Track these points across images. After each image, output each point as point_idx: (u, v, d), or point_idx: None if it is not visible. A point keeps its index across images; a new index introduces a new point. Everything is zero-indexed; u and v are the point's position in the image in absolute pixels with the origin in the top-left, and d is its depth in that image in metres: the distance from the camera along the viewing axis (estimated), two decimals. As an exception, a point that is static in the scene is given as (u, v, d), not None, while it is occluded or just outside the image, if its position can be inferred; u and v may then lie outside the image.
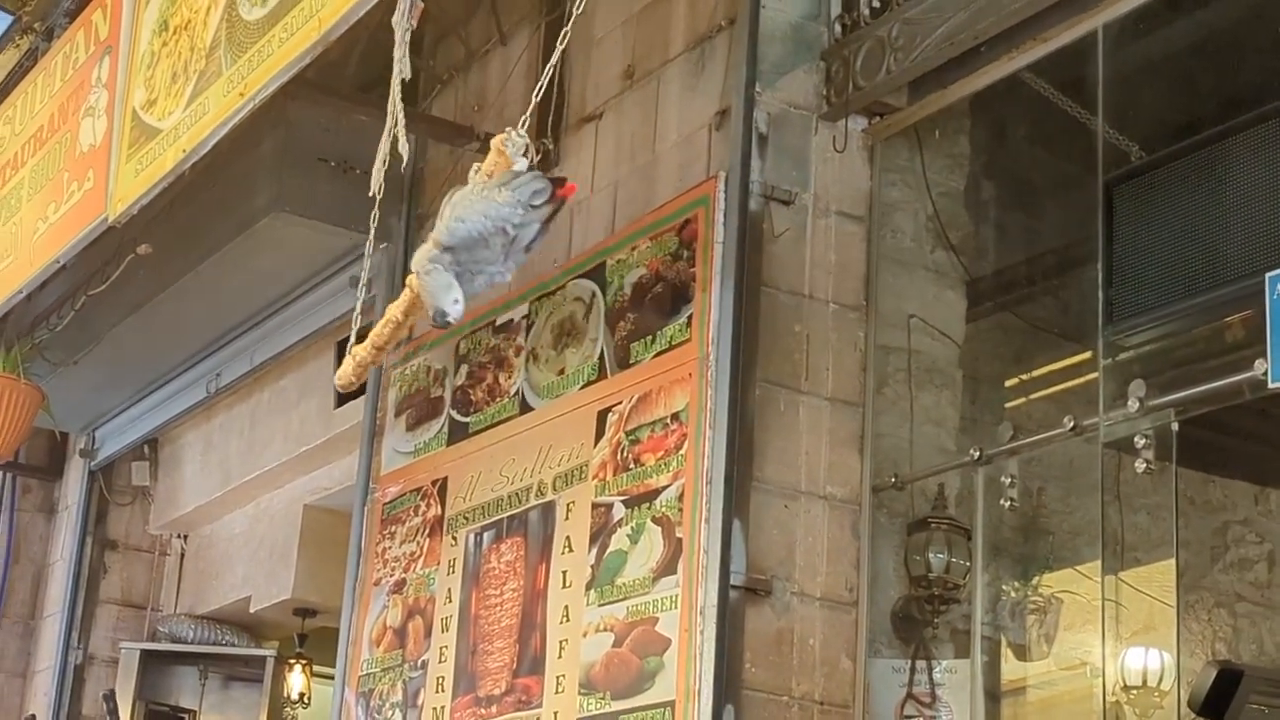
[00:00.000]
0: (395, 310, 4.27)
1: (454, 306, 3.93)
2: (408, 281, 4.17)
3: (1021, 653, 5.25)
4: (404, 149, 4.25)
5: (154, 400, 8.88)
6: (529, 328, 5.76)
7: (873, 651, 4.91)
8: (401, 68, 4.30)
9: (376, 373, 6.62)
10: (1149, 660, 5.39)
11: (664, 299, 5.12)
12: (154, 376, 8.65)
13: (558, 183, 4.08)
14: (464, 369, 6.07)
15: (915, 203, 5.25)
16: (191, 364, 8.38)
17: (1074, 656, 5.18)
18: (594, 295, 5.45)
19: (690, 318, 4.98)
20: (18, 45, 8.14)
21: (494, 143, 4.08)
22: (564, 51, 4.58)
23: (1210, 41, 4.98)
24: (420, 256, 4.00)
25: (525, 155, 4.04)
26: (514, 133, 4.04)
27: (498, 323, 5.93)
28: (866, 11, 5.07)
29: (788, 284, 4.98)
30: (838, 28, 5.15)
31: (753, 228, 4.94)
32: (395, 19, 4.37)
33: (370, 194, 4.38)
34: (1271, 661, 6.33)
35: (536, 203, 3.96)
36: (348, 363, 4.42)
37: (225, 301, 7.57)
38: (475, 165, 4.17)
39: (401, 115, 4.28)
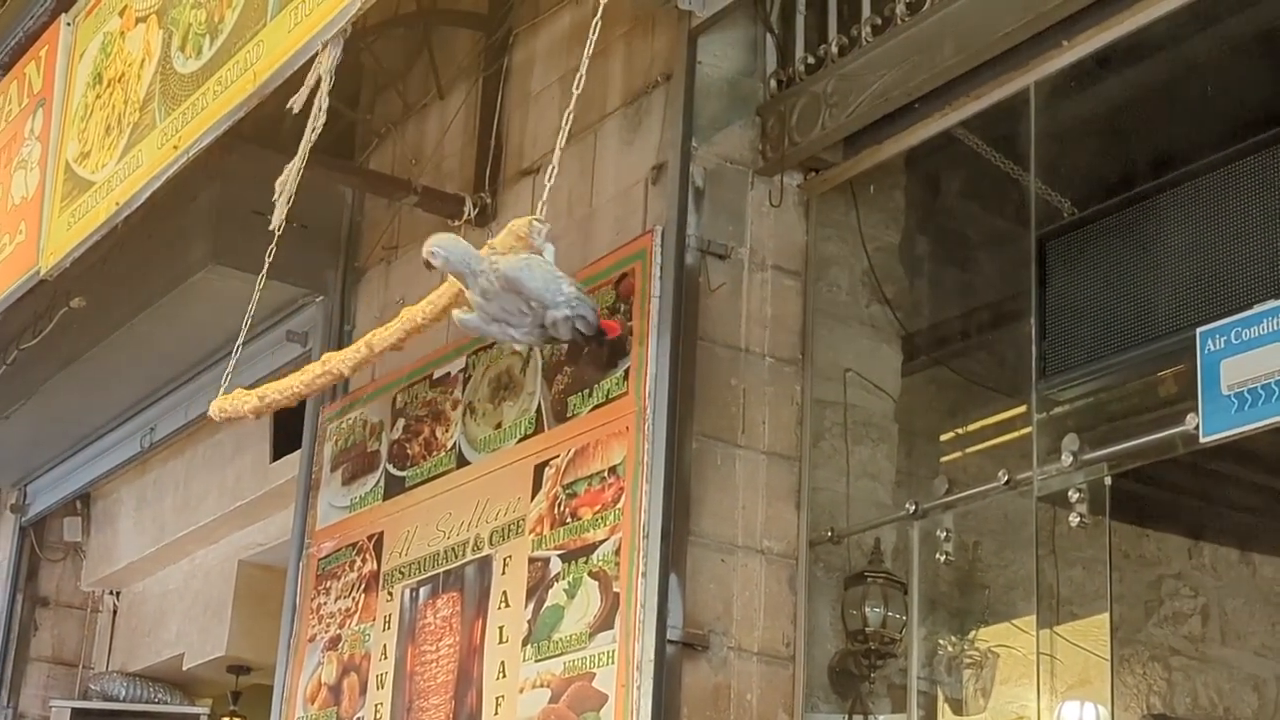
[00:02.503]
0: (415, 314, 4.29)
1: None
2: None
3: (958, 707, 5.25)
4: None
5: (87, 455, 8.78)
6: (466, 381, 5.74)
7: (810, 706, 4.89)
8: None
9: (313, 426, 6.58)
10: (1084, 714, 5.39)
11: (601, 352, 5.12)
12: (87, 431, 8.57)
13: (608, 321, 4.18)
14: (401, 422, 6.03)
15: (851, 257, 5.28)
16: (126, 418, 8.30)
17: (1010, 711, 5.18)
18: (531, 348, 5.44)
19: (627, 371, 4.97)
20: (-50, 97, 8.06)
21: (514, 227, 4.11)
22: (501, 105, 4.60)
23: (1141, 100, 5.04)
24: (465, 259, 4.06)
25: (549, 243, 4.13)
26: (535, 221, 4.04)
27: (435, 376, 5.91)
28: (802, 68, 5.11)
29: (724, 338, 4.99)
30: (773, 83, 5.19)
31: (689, 282, 4.96)
32: None
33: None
34: (1206, 715, 6.37)
35: (582, 318, 4.06)
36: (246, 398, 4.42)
37: (160, 355, 7.51)
38: (489, 244, 4.19)
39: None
